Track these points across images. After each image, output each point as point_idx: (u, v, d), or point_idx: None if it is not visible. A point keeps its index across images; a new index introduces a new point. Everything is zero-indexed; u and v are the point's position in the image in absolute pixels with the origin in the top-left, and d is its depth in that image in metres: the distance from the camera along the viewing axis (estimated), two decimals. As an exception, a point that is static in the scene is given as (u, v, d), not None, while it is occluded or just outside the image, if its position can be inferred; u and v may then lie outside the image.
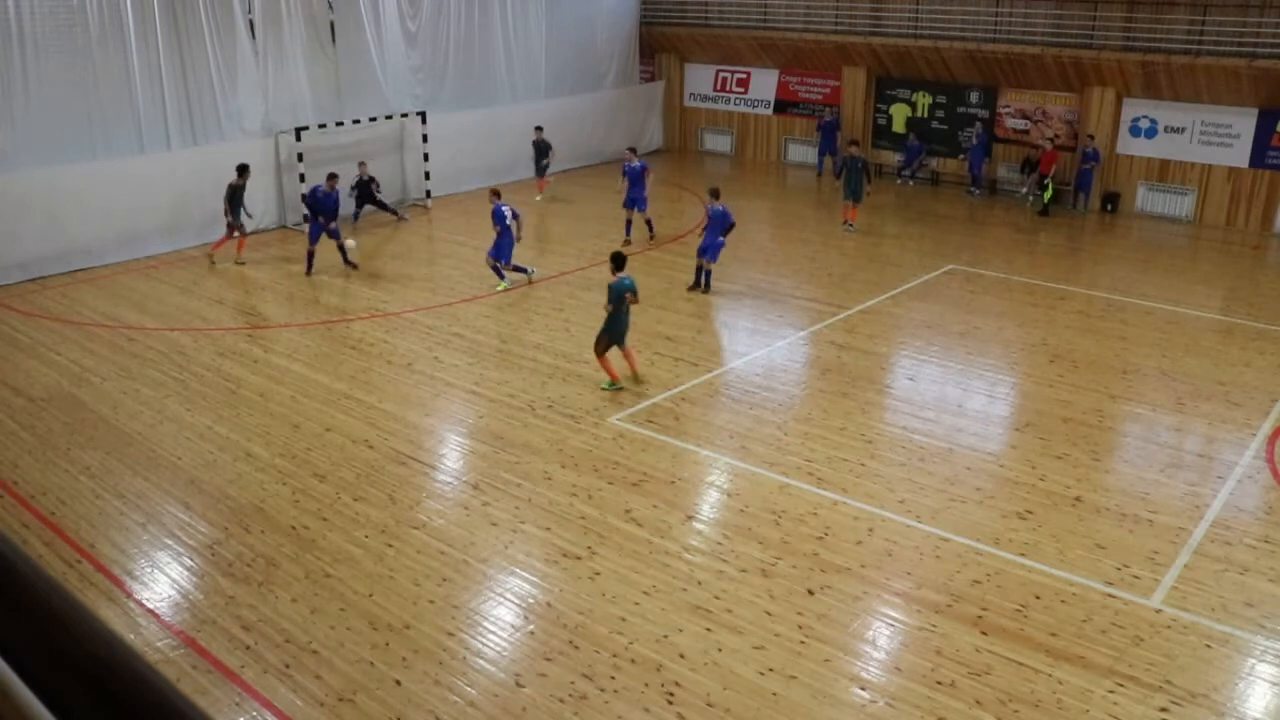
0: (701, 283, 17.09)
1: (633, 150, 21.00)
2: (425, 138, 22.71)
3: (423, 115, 22.70)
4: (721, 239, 16.89)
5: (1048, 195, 22.54)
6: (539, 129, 23.58)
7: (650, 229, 20.21)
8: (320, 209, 17.69)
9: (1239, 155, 21.66)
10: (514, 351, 14.48)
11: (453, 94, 24.27)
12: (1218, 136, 21.81)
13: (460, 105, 24.22)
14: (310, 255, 17.99)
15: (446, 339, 15.02)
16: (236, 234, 18.33)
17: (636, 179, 19.71)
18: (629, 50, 29.10)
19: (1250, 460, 11.53)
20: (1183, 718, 7.47)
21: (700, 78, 29.62)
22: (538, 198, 23.30)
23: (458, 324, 15.66)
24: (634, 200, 19.80)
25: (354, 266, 18.15)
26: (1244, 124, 21.43)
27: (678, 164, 28.56)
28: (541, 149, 23.54)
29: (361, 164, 20.89)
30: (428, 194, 23.00)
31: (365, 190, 21.03)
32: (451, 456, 11.80)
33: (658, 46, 29.68)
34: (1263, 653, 8.25)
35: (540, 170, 23.69)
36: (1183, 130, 22.16)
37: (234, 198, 18.14)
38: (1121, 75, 22.20)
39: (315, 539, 9.72)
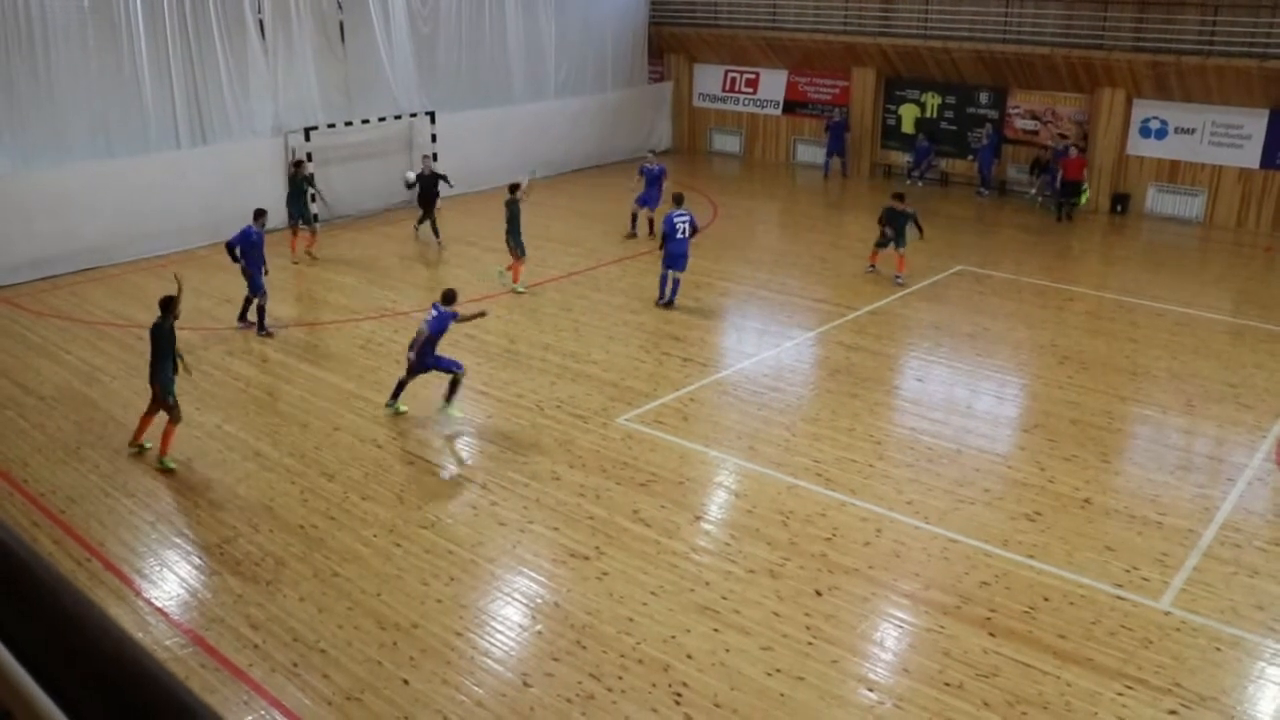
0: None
1: (653, 153, 21.73)
2: (434, 138, 22.74)
3: (432, 115, 22.74)
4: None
5: (1084, 199, 22.31)
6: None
7: (650, 227, 20.21)
8: (254, 252, 14.77)
9: (1250, 156, 21.58)
10: (522, 352, 14.49)
11: (462, 94, 24.28)
12: (1228, 137, 21.73)
13: (470, 105, 24.23)
14: (261, 310, 15.09)
15: (455, 339, 14.97)
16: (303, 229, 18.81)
17: (654, 181, 20.05)
18: (638, 50, 29.10)
19: (1260, 463, 11.49)
20: (1192, 721, 7.45)
21: (709, 78, 29.61)
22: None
23: (466, 324, 15.64)
24: (646, 199, 20.17)
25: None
26: (1255, 125, 21.35)
27: (687, 164, 28.52)
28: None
29: (425, 156, 20.37)
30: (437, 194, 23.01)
31: (431, 189, 19.48)
32: (460, 456, 11.81)
33: (666, 47, 29.67)
34: (1273, 656, 8.21)
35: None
36: (1193, 131, 22.08)
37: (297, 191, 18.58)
38: (1132, 76, 22.12)
39: (323, 538, 9.74)
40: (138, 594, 8.89)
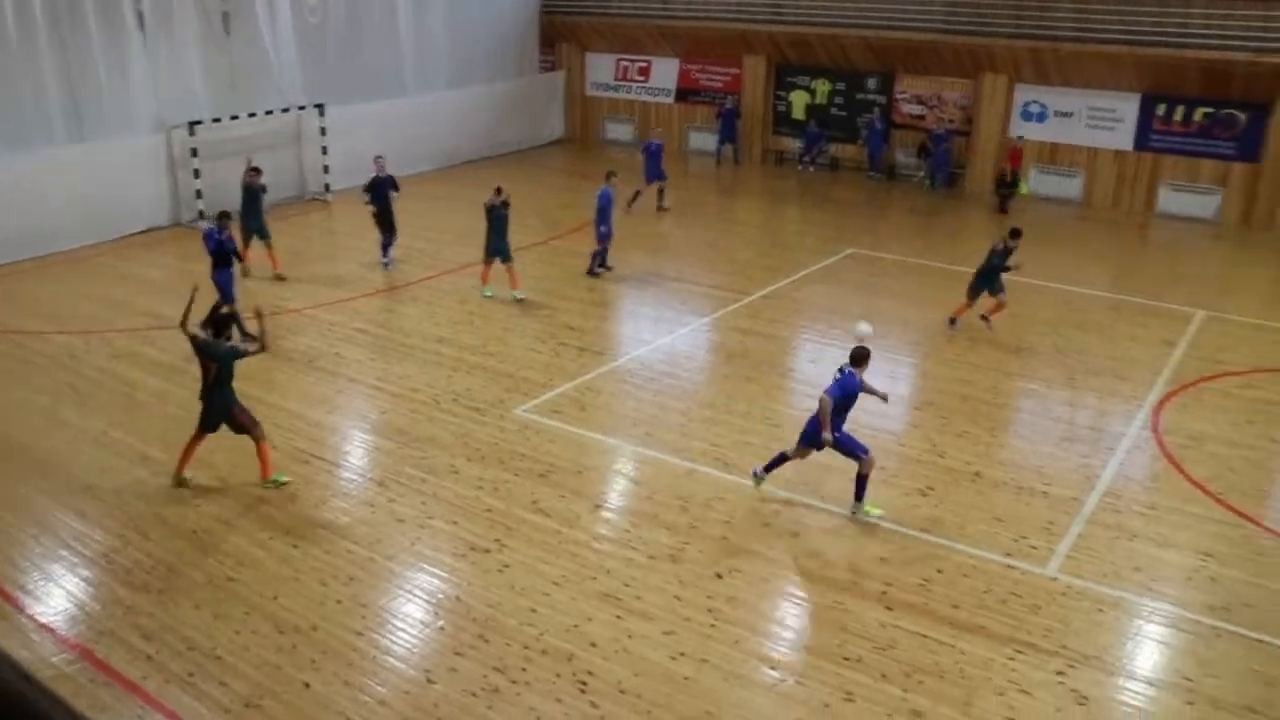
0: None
1: (657, 131, 23.93)
2: (324, 130, 22.29)
3: (320, 108, 22.28)
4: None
5: (1024, 189, 22.83)
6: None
7: (662, 197, 22.21)
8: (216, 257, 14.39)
9: (1123, 138, 22.44)
10: (417, 345, 14.33)
11: (352, 85, 23.77)
12: (1104, 121, 22.55)
13: (360, 97, 23.76)
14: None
15: (349, 334, 14.79)
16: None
17: (654, 155, 21.54)
18: (529, 40, 28.95)
19: (1137, 431, 11.98)
20: (1078, 679, 7.76)
21: (601, 67, 29.60)
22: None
23: (359, 319, 15.44)
24: (653, 175, 21.68)
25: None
26: (1128, 108, 22.20)
27: (579, 153, 28.52)
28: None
29: (378, 157, 17.62)
30: (326, 188, 22.58)
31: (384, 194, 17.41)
32: (356, 453, 11.62)
33: (557, 35, 29.56)
34: (1150, 613, 8.60)
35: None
36: (1071, 114, 22.86)
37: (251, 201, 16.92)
38: (1013, 62, 22.79)
39: (217, 543, 9.51)
40: (20, 610, 8.56)
